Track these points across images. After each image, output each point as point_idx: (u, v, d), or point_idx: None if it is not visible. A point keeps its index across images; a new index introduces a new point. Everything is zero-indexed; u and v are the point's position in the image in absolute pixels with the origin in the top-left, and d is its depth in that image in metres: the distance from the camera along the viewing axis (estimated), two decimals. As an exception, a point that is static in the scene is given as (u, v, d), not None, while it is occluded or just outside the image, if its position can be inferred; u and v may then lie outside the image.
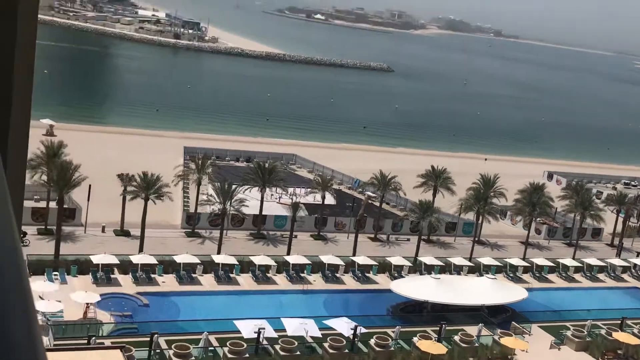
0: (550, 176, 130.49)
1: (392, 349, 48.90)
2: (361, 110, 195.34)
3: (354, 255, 69.14)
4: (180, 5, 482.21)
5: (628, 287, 74.19)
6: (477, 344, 51.63)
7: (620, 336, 55.02)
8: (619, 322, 58.82)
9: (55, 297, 49.71)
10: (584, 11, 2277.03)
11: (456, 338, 51.63)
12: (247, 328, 46.65)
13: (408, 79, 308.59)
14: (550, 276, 72.87)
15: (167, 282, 57.93)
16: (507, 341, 51.16)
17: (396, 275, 65.50)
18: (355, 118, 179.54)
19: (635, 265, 77.97)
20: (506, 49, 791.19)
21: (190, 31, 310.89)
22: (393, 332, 51.10)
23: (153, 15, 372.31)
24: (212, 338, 47.01)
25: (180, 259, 60.00)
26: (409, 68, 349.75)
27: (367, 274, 65.47)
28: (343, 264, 65.38)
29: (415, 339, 50.01)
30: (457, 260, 70.33)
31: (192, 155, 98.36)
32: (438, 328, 52.28)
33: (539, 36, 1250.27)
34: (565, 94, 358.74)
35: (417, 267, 68.47)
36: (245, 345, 45.67)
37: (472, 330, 53.85)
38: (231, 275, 60.55)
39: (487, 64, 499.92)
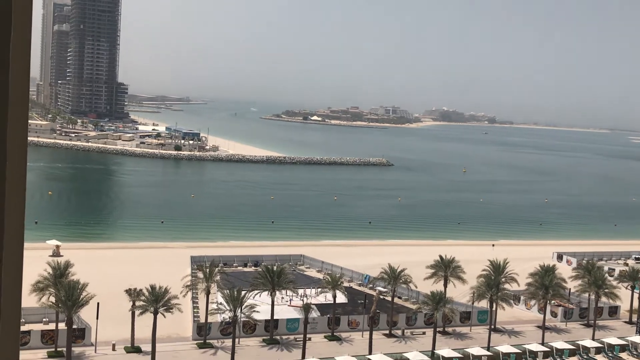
0: (559, 257, 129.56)
1: None
2: (365, 206, 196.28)
3: (370, 353, 67.86)
4: (180, 118, 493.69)
5: (653, 364, 72.40)
6: None
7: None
8: (648, 402, 57.09)
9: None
10: (574, 93, 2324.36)
11: None
12: None
13: (408, 172, 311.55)
14: (572, 359, 71.20)
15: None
16: None
17: (414, 370, 64.11)
18: (359, 214, 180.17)
19: (657, 341, 76.32)
20: (502, 134, 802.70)
21: (191, 142, 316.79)
22: None
23: (153, 129, 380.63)
24: None
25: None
26: (407, 161, 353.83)
27: (385, 372, 64.07)
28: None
29: None
30: (476, 351, 68.97)
31: (199, 264, 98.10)
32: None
33: (533, 119, 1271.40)
34: (565, 174, 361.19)
35: (435, 361, 67.08)
36: None
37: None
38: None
39: (485, 150, 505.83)
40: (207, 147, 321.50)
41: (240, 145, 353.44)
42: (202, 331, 73.75)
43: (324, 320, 79.58)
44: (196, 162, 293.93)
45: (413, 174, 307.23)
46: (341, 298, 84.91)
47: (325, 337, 76.93)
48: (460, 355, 67.74)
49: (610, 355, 73.20)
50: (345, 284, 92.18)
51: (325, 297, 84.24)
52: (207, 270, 78.99)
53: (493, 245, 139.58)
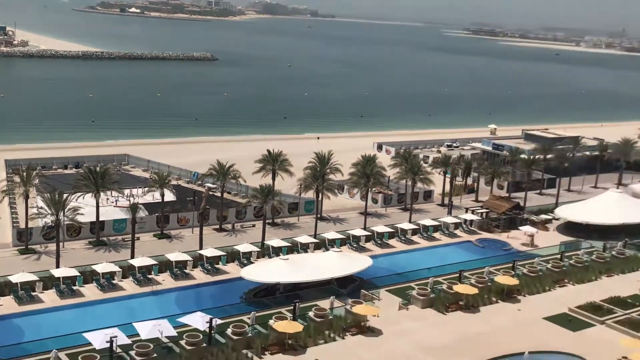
0: (379, 147, 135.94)
1: (250, 334, 49.11)
2: (190, 102, 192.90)
3: (200, 248, 68.49)
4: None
5: (461, 241, 79.17)
6: (331, 317, 53.04)
7: (460, 288, 58.66)
8: (458, 275, 62.74)
9: None
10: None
11: (310, 314, 52.69)
12: (98, 339, 44.89)
13: (233, 66, 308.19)
14: (391, 241, 76.22)
15: (5, 305, 54.45)
16: (358, 309, 52.97)
17: (245, 262, 65.69)
18: (185, 111, 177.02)
19: (465, 220, 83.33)
20: (325, 28, 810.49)
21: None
22: (249, 318, 51.28)
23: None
24: (62, 355, 44.86)
25: (16, 278, 56.49)
26: (232, 55, 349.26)
27: (217, 266, 65.13)
28: (191, 259, 64.58)
29: (271, 322, 50.53)
30: (303, 239, 71.68)
31: (15, 168, 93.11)
32: (292, 307, 53.17)
33: (353, 14, 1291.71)
34: (384, 67, 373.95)
35: (266, 251, 69.05)
36: (98, 356, 43.99)
37: (324, 304, 55.21)
38: (74, 287, 57.94)
39: (309, 45, 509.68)
40: (15, 42, 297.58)
41: (53, 40, 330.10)
42: (23, 237, 70.55)
43: (152, 219, 78.84)
44: (3, 58, 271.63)
45: (238, 68, 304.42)
46: (169, 196, 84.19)
47: (154, 235, 76.47)
48: (288, 244, 70.18)
49: (425, 235, 79.08)
50: (173, 182, 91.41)
51: (153, 196, 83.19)
52: (24, 173, 74.79)
53: (318, 138, 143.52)
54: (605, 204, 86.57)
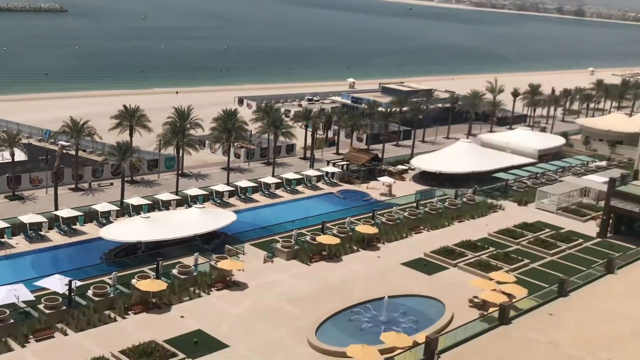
0: (240, 101, 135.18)
1: (112, 295, 48.10)
2: (40, 56, 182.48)
3: (56, 209, 65.76)
4: None
5: (323, 193, 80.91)
6: (195, 273, 52.88)
7: (322, 239, 60.15)
8: (320, 226, 64.25)
9: None
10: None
11: (174, 271, 52.27)
12: (-53, 308, 42.50)
13: (84, 18, 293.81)
14: (255, 196, 76.57)
15: None
16: (223, 264, 53.10)
17: (104, 222, 63.85)
18: (34, 65, 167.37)
19: (327, 173, 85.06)
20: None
21: None
22: (110, 278, 50.13)
23: None
24: None
25: None
26: (83, 7, 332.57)
27: (74, 226, 62.89)
28: (46, 220, 61.95)
29: (133, 281, 49.70)
30: (164, 196, 70.51)
31: None
32: (155, 265, 52.48)
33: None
34: (243, 21, 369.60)
35: (125, 210, 67.36)
36: (-52, 327, 41.70)
37: (189, 260, 54.90)
38: None
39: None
40: None
41: None
42: None
43: (2, 180, 74.56)
44: None
45: (90, 20, 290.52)
46: (20, 155, 79.79)
47: (5, 197, 72.50)
48: (149, 202, 68.80)
49: (288, 188, 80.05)
50: (24, 141, 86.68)
51: (2, 156, 78.49)
52: None
53: (177, 92, 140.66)
54: (456, 154, 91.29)
